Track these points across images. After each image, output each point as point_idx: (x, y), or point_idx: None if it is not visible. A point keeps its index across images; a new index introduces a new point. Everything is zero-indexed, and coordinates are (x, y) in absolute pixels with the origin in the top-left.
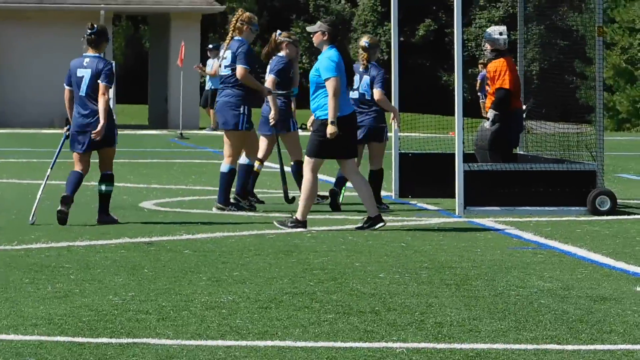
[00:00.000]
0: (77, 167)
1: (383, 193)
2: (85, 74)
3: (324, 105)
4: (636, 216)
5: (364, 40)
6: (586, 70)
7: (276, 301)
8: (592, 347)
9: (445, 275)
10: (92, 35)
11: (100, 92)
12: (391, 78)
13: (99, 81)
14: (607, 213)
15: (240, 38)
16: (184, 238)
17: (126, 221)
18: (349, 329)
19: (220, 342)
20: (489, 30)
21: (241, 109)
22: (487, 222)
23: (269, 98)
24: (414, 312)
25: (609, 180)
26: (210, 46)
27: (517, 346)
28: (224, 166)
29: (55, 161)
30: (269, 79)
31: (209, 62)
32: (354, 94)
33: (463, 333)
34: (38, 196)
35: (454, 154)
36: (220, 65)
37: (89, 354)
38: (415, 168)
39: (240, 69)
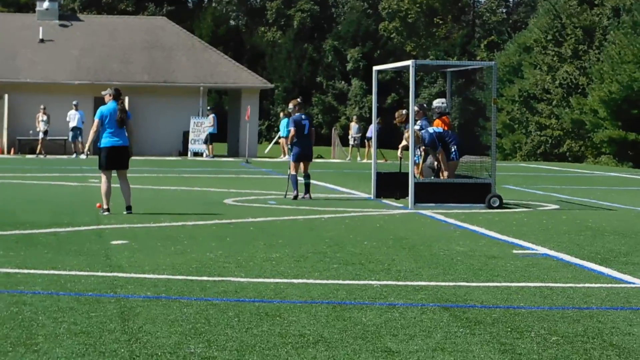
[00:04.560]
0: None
1: (364, 195)
2: (306, 123)
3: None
4: (513, 210)
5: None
6: (486, 125)
7: (304, 257)
8: (486, 284)
9: (402, 243)
10: (301, 103)
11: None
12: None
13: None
14: (497, 208)
15: None
16: (249, 220)
17: (218, 211)
18: (347, 273)
19: (272, 280)
20: (436, 101)
21: None
22: (427, 212)
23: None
24: (384, 263)
25: (499, 189)
26: (209, 108)
27: (443, 283)
28: None
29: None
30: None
31: (210, 117)
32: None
33: (413, 275)
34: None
35: (407, 172)
36: None
37: (196, 286)
38: (385, 181)
39: None
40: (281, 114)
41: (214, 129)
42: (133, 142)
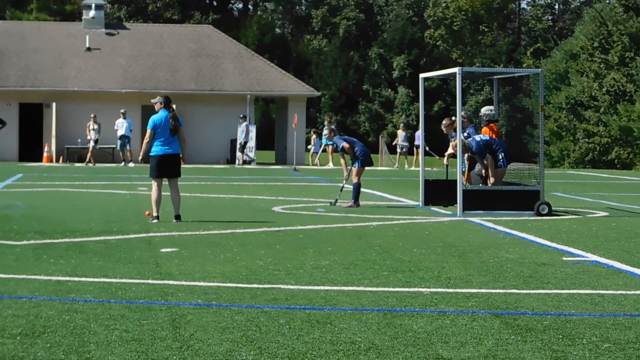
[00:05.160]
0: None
1: (413, 202)
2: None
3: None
4: (562, 217)
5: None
6: (533, 132)
7: (353, 264)
8: (537, 291)
9: (452, 250)
10: (334, 129)
11: None
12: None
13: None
14: (546, 215)
15: None
16: (298, 228)
17: (267, 219)
18: (396, 280)
19: (321, 287)
20: (485, 108)
21: None
22: (476, 219)
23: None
24: (433, 270)
25: (547, 196)
26: (241, 115)
27: (493, 290)
28: None
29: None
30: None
31: (243, 125)
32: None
33: (463, 283)
34: (340, 190)
35: (456, 180)
36: None
37: (246, 293)
38: (433, 188)
39: None
40: (325, 122)
41: (247, 137)
42: (185, 149)
